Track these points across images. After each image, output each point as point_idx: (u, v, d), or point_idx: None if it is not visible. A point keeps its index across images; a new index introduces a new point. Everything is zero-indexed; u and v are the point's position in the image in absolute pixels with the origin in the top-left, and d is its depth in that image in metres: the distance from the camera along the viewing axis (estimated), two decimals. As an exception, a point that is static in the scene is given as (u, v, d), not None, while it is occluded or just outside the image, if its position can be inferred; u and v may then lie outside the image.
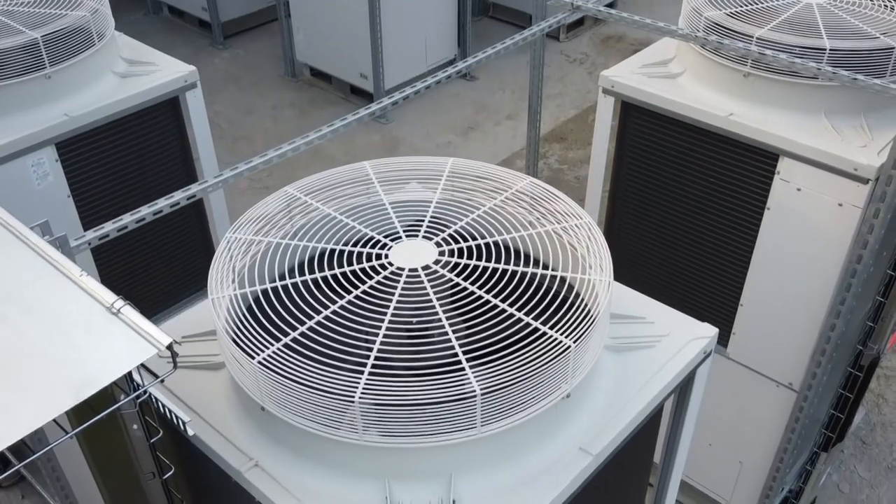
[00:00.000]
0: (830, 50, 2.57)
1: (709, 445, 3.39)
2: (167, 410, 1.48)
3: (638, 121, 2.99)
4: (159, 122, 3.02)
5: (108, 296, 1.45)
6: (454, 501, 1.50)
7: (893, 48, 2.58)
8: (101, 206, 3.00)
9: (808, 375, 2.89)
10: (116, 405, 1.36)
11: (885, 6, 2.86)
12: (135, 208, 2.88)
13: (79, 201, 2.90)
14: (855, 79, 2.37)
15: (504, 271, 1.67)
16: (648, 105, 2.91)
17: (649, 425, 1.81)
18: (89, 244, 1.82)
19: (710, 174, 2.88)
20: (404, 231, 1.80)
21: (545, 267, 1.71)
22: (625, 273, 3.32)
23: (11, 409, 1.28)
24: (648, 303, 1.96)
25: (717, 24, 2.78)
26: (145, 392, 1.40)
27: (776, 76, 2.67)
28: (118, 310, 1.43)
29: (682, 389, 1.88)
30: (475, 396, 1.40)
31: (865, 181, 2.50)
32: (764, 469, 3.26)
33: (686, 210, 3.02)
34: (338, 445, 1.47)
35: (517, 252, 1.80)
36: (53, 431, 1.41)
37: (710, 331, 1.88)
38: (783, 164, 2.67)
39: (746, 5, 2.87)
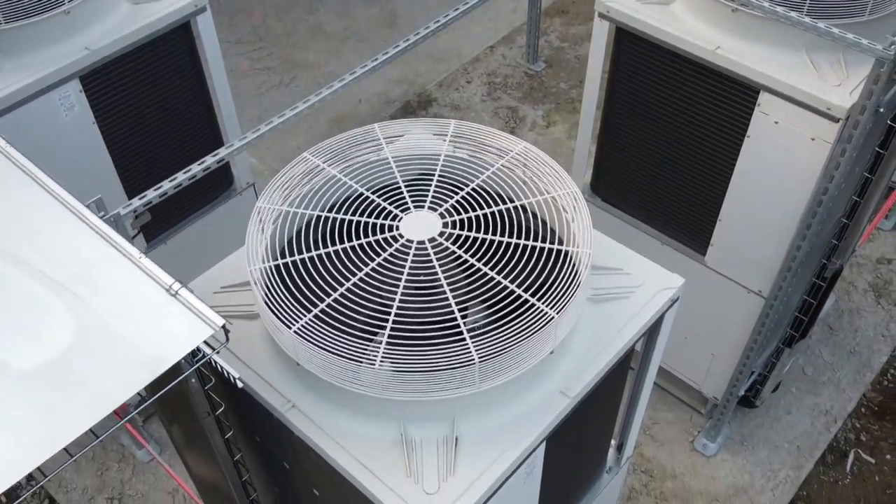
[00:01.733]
0: (814, -8, 2.69)
1: (685, 339, 3.76)
2: (220, 367, 1.79)
3: (631, 46, 3.13)
4: (173, 47, 3.16)
5: (166, 278, 1.72)
6: (457, 438, 1.84)
7: (875, -12, 2.70)
8: (124, 129, 3.19)
9: (775, 286, 3.20)
10: (183, 375, 1.67)
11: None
12: (155, 130, 3.09)
13: (103, 127, 3.10)
14: (830, 31, 2.52)
15: (500, 243, 1.93)
16: (641, 32, 3.05)
17: (622, 361, 2.13)
18: (135, 212, 2.06)
19: (697, 102, 3.06)
20: (412, 199, 2.04)
21: (535, 237, 1.96)
22: (616, 188, 3.58)
23: (100, 384, 1.58)
24: (626, 253, 2.23)
25: (710, -44, 2.87)
26: (206, 359, 1.70)
27: (762, 13, 2.80)
28: (176, 292, 1.70)
29: (652, 331, 2.19)
30: (475, 363, 1.71)
31: (836, 120, 2.70)
32: (733, 360, 3.65)
33: (673, 134, 3.22)
34: (362, 395, 1.79)
35: (511, 218, 2.04)
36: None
37: (677, 281, 2.16)
38: (763, 98, 2.85)
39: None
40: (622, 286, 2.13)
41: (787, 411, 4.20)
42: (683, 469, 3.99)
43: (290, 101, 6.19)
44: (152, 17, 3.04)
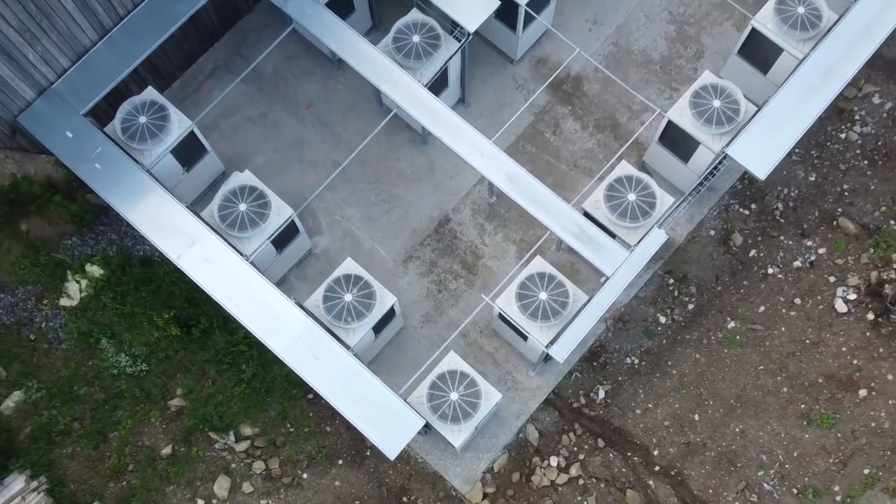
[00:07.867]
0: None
1: (526, 357, 13.85)
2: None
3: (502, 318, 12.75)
4: (389, 316, 12.84)
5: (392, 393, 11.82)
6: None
7: (551, 322, 12.38)
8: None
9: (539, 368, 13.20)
10: (412, 436, 11.83)
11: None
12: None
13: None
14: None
15: (473, 402, 12.02)
16: (505, 314, 12.64)
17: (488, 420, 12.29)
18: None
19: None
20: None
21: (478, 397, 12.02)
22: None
23: (398, 423, 11.69)
24: (494, 392, 12.28)
25: (518, 307, 12.48)
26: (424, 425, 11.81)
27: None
28: (405, 398, 11.78)
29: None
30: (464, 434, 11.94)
31: (542, 347, 12.53)
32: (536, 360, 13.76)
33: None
34: (450, 435, 12.00)
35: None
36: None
37: (498, 395, 12.25)
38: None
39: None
40: (490, 400, 12.23)
41: (564, 363, 14.39)
42: (524, 382, 14.31)
43: (394, 222, 15.45)
44: (385, 309, 12.70)
